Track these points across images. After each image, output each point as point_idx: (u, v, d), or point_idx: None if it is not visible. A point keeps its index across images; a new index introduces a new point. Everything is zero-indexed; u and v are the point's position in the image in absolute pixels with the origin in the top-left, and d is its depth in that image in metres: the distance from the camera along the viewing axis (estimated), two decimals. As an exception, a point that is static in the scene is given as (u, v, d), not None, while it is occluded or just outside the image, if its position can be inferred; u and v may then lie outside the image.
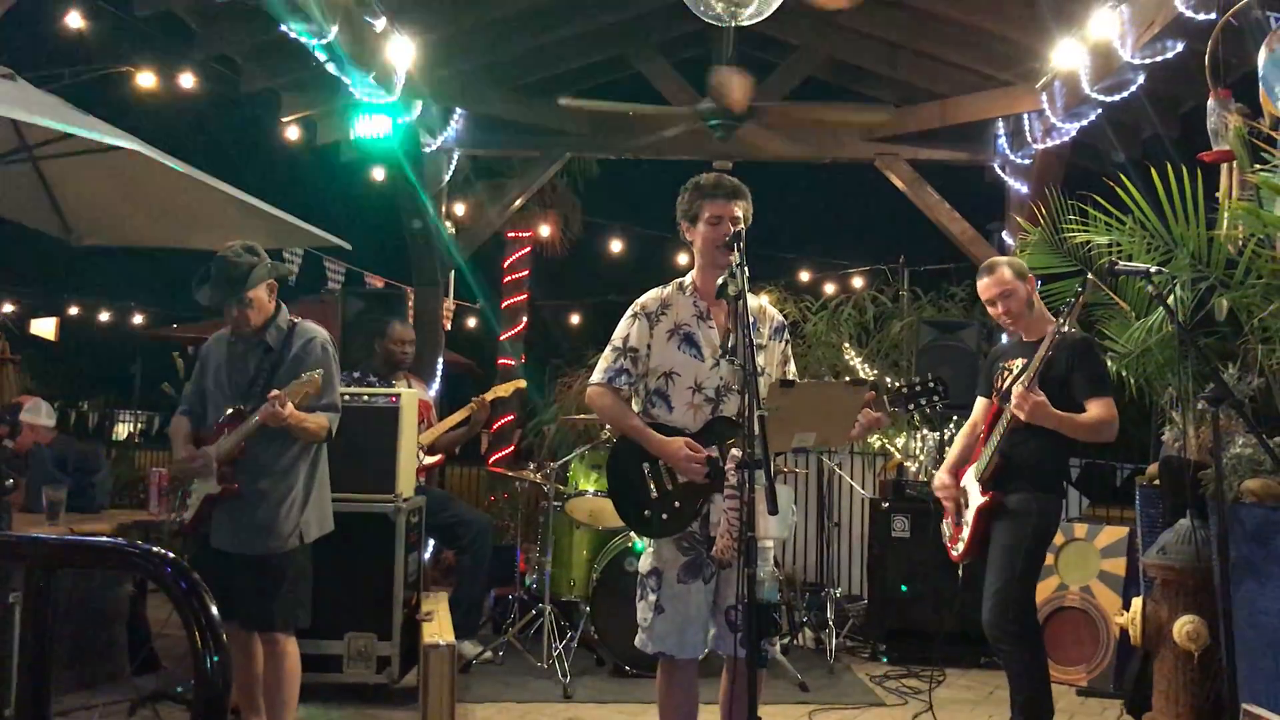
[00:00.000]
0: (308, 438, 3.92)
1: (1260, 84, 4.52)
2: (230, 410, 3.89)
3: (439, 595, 5.60)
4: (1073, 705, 5.32)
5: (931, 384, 3.61)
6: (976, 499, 4.20)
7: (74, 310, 18.15)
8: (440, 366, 8.14)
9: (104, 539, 1.57)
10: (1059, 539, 5.73)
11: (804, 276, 13.08)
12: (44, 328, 13.43)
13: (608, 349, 3.58)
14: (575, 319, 16.39)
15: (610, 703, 5.13)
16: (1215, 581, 4.04)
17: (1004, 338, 4.67)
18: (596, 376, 3.56)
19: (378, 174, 9.35)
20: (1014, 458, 4.12)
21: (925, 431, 7.70)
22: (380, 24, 6.31)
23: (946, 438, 6.74)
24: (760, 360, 3.42)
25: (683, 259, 11.81)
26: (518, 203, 8.79)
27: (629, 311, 3.59)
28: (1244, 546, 4.15)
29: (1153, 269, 4.11)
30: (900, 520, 6.28)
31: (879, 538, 6.37)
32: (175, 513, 3.97)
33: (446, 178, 8.35)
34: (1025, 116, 7.42)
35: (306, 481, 3.98)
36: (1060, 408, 3.99)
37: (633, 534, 5.43)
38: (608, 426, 5.81)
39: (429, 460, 6.03)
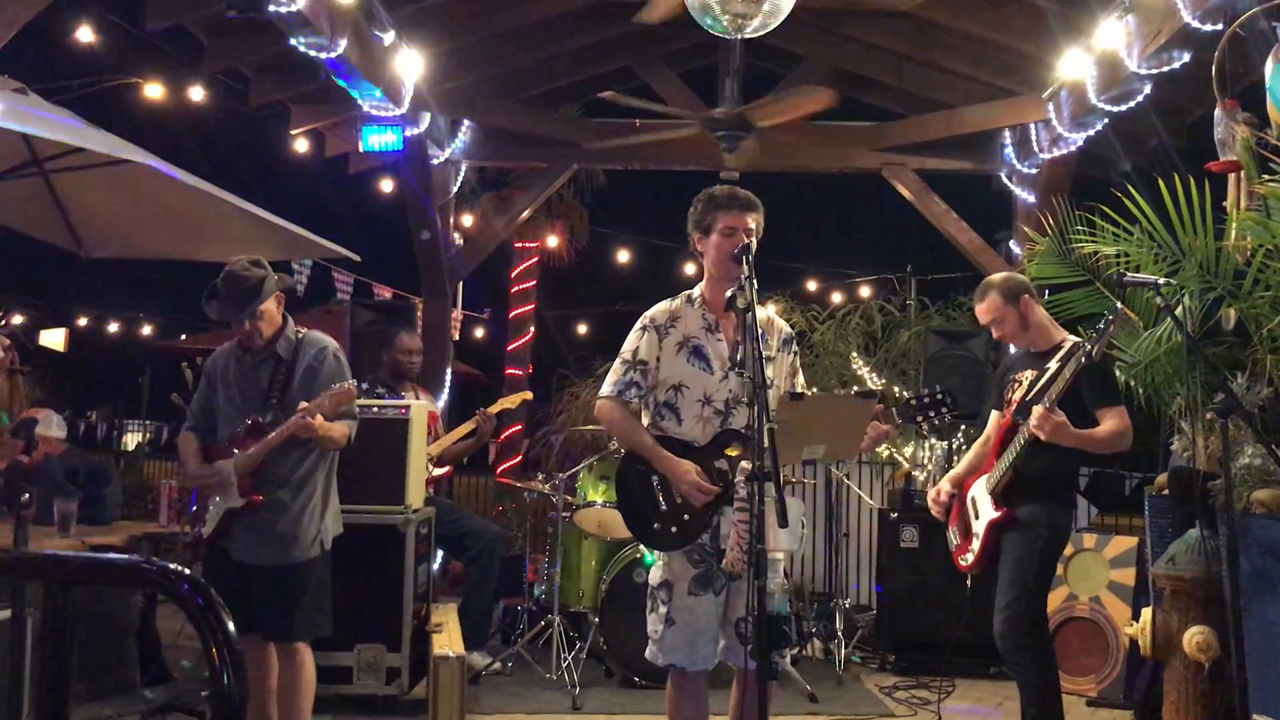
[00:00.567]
0: (331, 447, 3.95)
1: (1267, 94, 4.52)
2: (248, 423, 3.90)
3: (448, 606, 5.61)
4: (1082, 716, 5.31)
5: (940, 396, 3.62)
6: (989, 512, 4.20)
7: (83, 321, 18.21)
8: (448, 377, 8.15)
9: (122, 557, 1.58)
10: (1068, 549, 5.72)
11: (811, 286, 13.10)
12: (53, 339, 13.49)
13: (617, 361, 3.59)
14: (582, 329, 16.41)
15: (619, 714, 5.13)
16: (1225, 592, 4.04)
17: (1011, 349, 4.68)
18: (606, 389, 3.57)
19: (386, 185, 9.39)
20: (1026, 471, 4.12)
21: (933, 441, 7.69)
22: (388, 37, 6.34)
23: (955, 447, 6.74)
24: (769, 372, 3.42)
25: (689, 270, 11.84)
26: (525, 213, 8.82)
27: (638, 324, 3.60)
28: (1254, 557, 4.14)
29: (1161, 281, 4.11)
30: (909, 530, 6.28)
31: (888, 548, 6.37)
32: (194, 526, 3.98)
33: (454, 189, 8.37)
34: (1032, 126, 7.43)
35: (325, 489, 4.02)
36: (1071, 418, 3.99)
37: (642, 546, 5.44)
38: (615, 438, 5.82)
39: (438, 472, 6.04)
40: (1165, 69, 5.50)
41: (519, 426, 11.24)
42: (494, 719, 5.00)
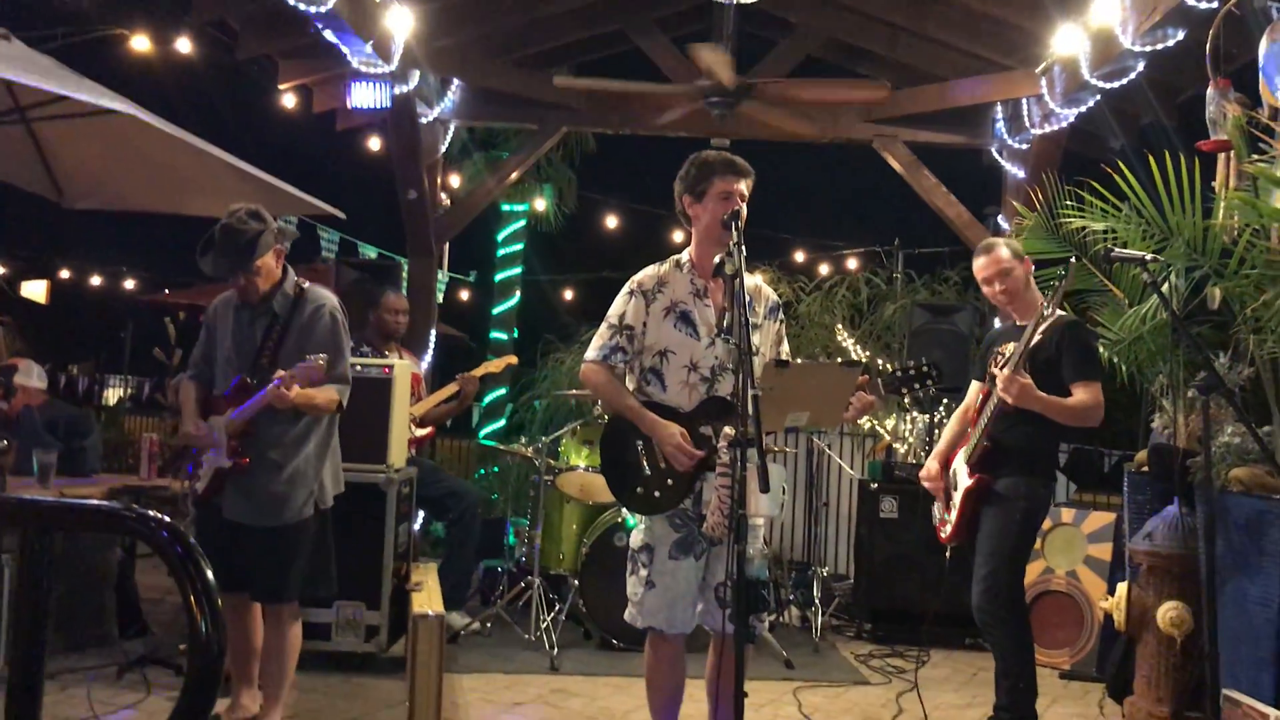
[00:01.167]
0: (317, 413, 3.88)
1: (1260, 74, 4.52)
2: (236, 382, 3.84)
3: (428, 566, 5.61)
4: (1056, 688, 5.36)
5: (925, 368, 3.63)
6: (965, 481, 4.22)
7: (65, 273, 18.08)
8: (433, 339, 8.12)
9: (101, 503, 1.57)
10: (1046, 523, 5.76)
11: (799, 257, 13.10)
12: (35, 290, 13.40)
13: (603, 326, 3.58)
14: (569, 294, 16.37)
15: (597, 675, 5.16)
16: (1201, 568, 4.07)
17: (997, 322, 4.69)
18: (591, 353, 3.56)
19: (373, 143, 9.31)
20: (1003, 442, 4.14)
21: (915, 414, 7.72)
22: (379, -8, 6.27)
23: (937, 420, 6.76)
24: (755, 340, 3.42)
25: (678, 237, 11.80)
26: (514, 175, 8.75)
27: (625, 288, 3.59)
28: (1230, 534, 4.18)
29: (1148, 257, 4.12)
30: (888, 501, 6.31)
31: (867, 518, 6.40)
32: (189, 481, 3.93)
33: (443, 148, 8.31)
34: (1024, 101, 7.41)
35: (319, 451, 3.95)
36: (1049, 391, 4.01)
37: (623, 510, 5.46)
38: (599, 402, 5.82)
39: (420, 433, 6.03)
40: (1159, 46, 5.48)
41: (503, 390, 11.22)
42: (472, 678, 5.02)
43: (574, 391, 6.50)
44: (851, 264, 11.48)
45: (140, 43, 8.14)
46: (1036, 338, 4.00)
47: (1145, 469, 5.16)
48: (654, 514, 3.46)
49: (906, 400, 7.45)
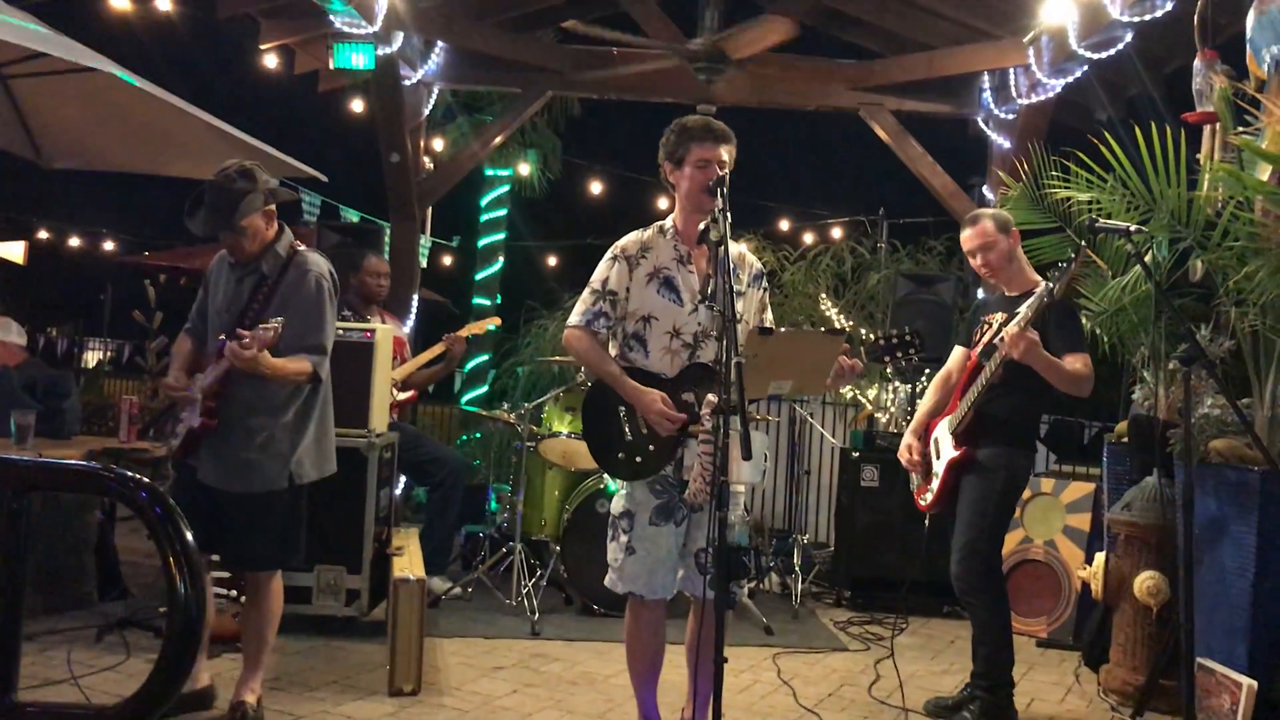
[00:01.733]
0: (288, 382, 3.72)
1: (1247, 46, 4.51)
2: (221, 341, 3.69)
3: (409, 531, 5.62)
4: (1032, 656, 5.41)
5: (907, 337, 3.64)
6: (949, 452, 4.24)
7: (43, 234, 17.90)
8: (415, 303, 8.09)
9: (80, 463, 1.56)
10: (1025, 493, 5.80)
11: (783, 225, 13.08)
12: (12, 251, 13.24)
13: (586, 291, 3.56)
14: (552, 261, 16.32)
15: (577, 641, 5.18)
16: (1178, 539, 4.11)
17: (980, 292, 4.69)
18: (574, 319, 3.55)
19: (356, 106, 9.23)
20: (988, 413, 4.16)
21: (897, 384, 7.74)
22: (363, -49, 6.19)
23: (918, 390, 6.78)
24: (739, 307, 3.41)
25: (663, 203, 11.76)
26: (498, 140, 8.69)
27: (608, 254, 3.57)
28: (1208, 505, 4.22)
29: (1132, 228, 4.13)
30: (870, 470, 6.34)
31: (848, 487, 6.43)
32: (168, 439, 3.86)
33: (426, 111, 8.24)
34: (1011, 71, 7.39)
35: (298, 421, 3.81)
36: None
37: (605, 476, 5.47)
38: (583, 369, 5.81)
39: (402, 396, 6.02)
40: (1147, 17, 5.47)
41: (486, 356, 11.20)
42: (453, 642, 5.04)
43: (557, 358, 6.49)
44: (836, 233, 11.47)
45: (119, 0, 8.01)
46: (1023, 311, 4.01)
47: (1125, 440, 5.19)
48: (635, 480, 3.46)
49: (889, 370, 7.47)
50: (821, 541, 7.58)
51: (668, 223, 3.60)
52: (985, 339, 4.24)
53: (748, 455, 2.85)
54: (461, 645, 5.01)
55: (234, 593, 4.50)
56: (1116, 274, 5.11)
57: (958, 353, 4.52)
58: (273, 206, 3.81)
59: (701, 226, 3.35)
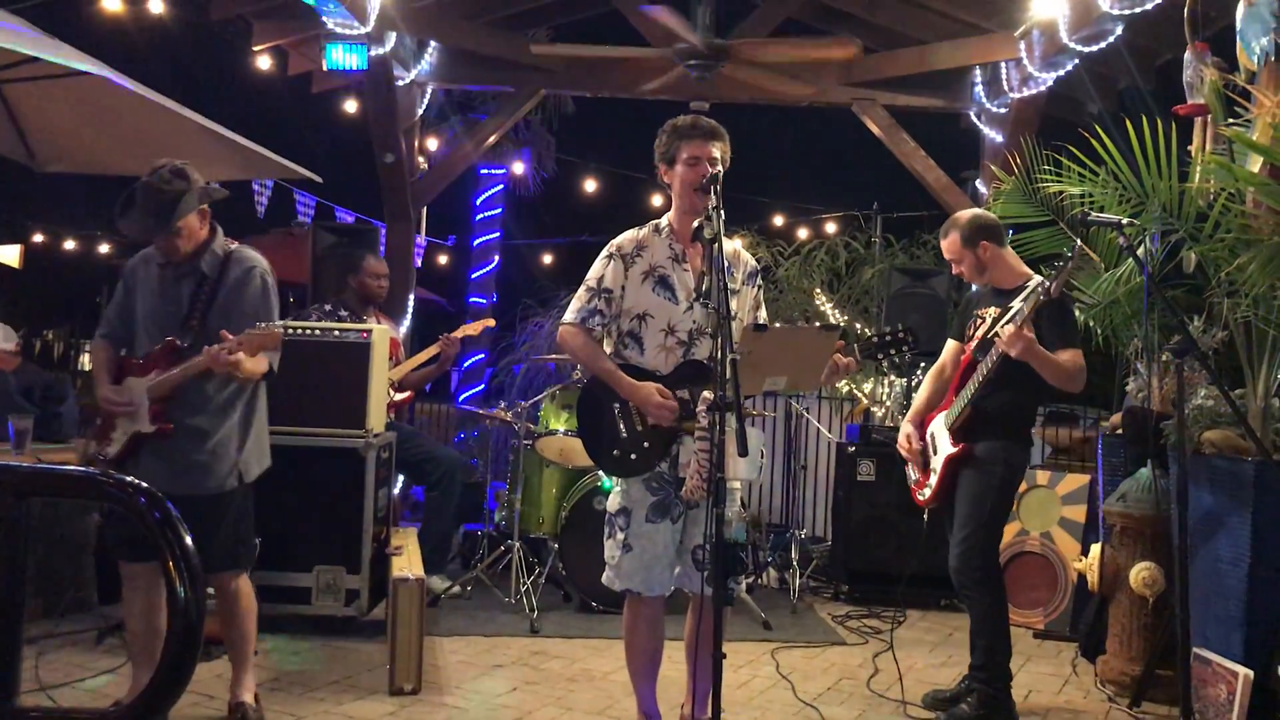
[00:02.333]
0: (250, 379, 3.68)
1: (1238, 38, 4.52)
2: (165, 344, 3.63)
3: (408, 530, 5.63)
4: (1030, 647, 5.43)
5: (901, 334, 3.65)
6: (946, 448, 4.26)
7: (38, 237, 17.86)
8: (411, 303, 8.10)
9: (78, 468, 1.57)
10: (1022, 486, 5.81)
11: (777, 221, 13.09)
12: (7, 254, 13.22)
13: (581, 289, 3.58)
14: (547, 259, 16.31)
15: (577, 638, 5.19)
16: (1173, 529, 4.13)
17: (974, 285, 4.71)
18: (569, 316, 3.56)
19: (350, 106, 9.23)
20: (984, 408, 4.17)
21: (892, 378, 7.76)
22: (354, -48, 6.19)
23: (913, 384, 6.80)
24: (733, 305, 3.42)
25: (657, 201, 11.76)
26: (491, 139, 8.70)
27: (604, 252, 3.59)
28: (1203, 496, 4.23)
29: (1124, 220, 4.14)
30: (866, 464, 6.35)
31: (844, 481, 6.45)
32: (99, 445, 3.70)
33: (420, 112, 8.24)
34: (1003, 65, 7.41)
35: (244, 418, 3.75)
36: None
37: (601, 473, 5.48)
38: (579, 366, 5.83)
39: (398, 396, 6.03)
40: (1138, 9, 5.49)
41: (482, 355, 11.21)
42: (452, 641, 5.05)
43: (553, 356, 6.51)
44: (830, 228, 11.50)
45: (111, 3, 8.00)
46: (1018, 304, 4.02)
47: (1119, 432, 5.21)
48: (630, 477, 3.48)
49: (884, 365, 7.48)
50: (819, 536, 7.59)
51: (663, 221, 3.62)
52: (979, 334, 4.26)
53: (744, 451, 2.87)
54: (461, 644, 5.02)
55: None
56: (1109, 266, 5.13)
57: (951, 346, 4.54)
58: (207, 206, 3.70)
59: (695, 224, 3.37)
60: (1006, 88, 7.37)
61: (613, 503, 3.55)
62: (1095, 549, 4.86)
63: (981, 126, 7.92)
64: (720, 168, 3.41)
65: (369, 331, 5.10)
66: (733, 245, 3.68)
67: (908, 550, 5.82)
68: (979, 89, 7.81)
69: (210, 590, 4.56)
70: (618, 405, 3.47)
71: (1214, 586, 4.18)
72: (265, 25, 7.56)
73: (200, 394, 3.64)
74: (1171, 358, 3.93)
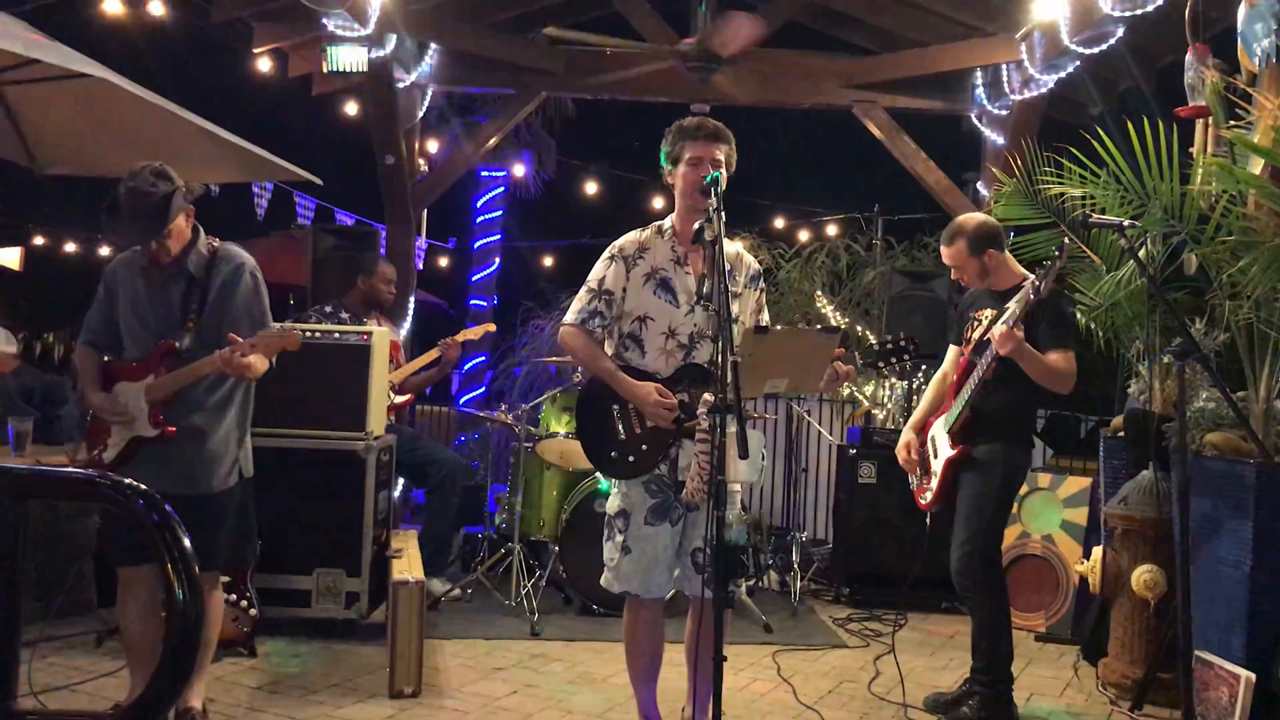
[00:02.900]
0: (253, 378, 3.64)
1: (1239, 40, 4.52)
2: (162, 346, 3.58)
3: (408, 533, 5.62)
4: (1031, 650, 5.42)
5: (902, 343, 3.65)
6: (946, 451, 4.25)
7: (39, 240, 17.86)
8: (411, 306, 8.09)
9: (77, 470, 1.56)
10: (1023, 488, 5.81)
11: (778, 223, 13.08)
12: (8, 257, 13.21)
13: (582, 290, 3.57)
14: (548, 261, 16.31)
15: (577, 641, 5.18)
16: (1175, 532, 4.12)
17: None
18: (570, 317, 3.56)
19: (350, 108, 9.22)
20: (983, 410, 4.17)
21: (894, 381, 7.75)
22: (355, -47, 6.19)
23: (915, 387, 6.79)
24: (734, 308, 3.42)
25: (658, 203, 11.76)
26: (492, 141, 8.69)
27: (606, 253, 3.58)
28: (1204, 498, 4.22)
29: (1125, 222, 4.14)
30: (867, 467, 6.34)
31: (846, 483, 6.44)
32: (91, 449, 3.67)
33: (420, 114, 8.24)
34: (1004, 67, 7.40)
35: (240, 415, 3.74)
36: None
37: (599, 475, 5.47)
38: (580, 369, 5.82)
39: (399, 399, 6.02)
40: (1139, 11, 5.48)
41: (483, 358, 11.20)
42: (453, 644, 5.04)
43: (553, 358, 6.50)
44: (831, 230, 11.48)
45: (112, 5, 8.00)
46: (1012, 304, 4.03)
47: (1121, 434, 5.20)
48: (628, 479, 3.47)
49: (886, 371, 7.47)
50: (820, 539, 7.59)
51: (666, 223, 3.61)
52: (976, 336, 4.25)
53: (744, 454, 2.86)
54: (461, 646, 5.02)
55: (233, 596, 4.50)
56: (1111, 269, 5.13)
57: (952, 352, 4.54)
58: (191, 205, 3.65)
59: (696, 226, 3.36)
60: (1007, 90, 7.36)
61: (612, 505, 3.54)
62: (1097, 552, 4.85)
63: (983, 128, 7.91)
64: (724, 170, 3.41)
65: (369, 334, 5.09)
66: (734, 248, 3.67)
67: (909, 553, 5.82)
68: (980, 91, 7.80)
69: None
70: (617, 407, 3.47)
71: (1215, 589, 4.17)
72: (266, 28, 7.54)
73: (197, 394, 3.61)
74: (1173, 360, 3.92)
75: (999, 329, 3.97)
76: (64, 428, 5.45)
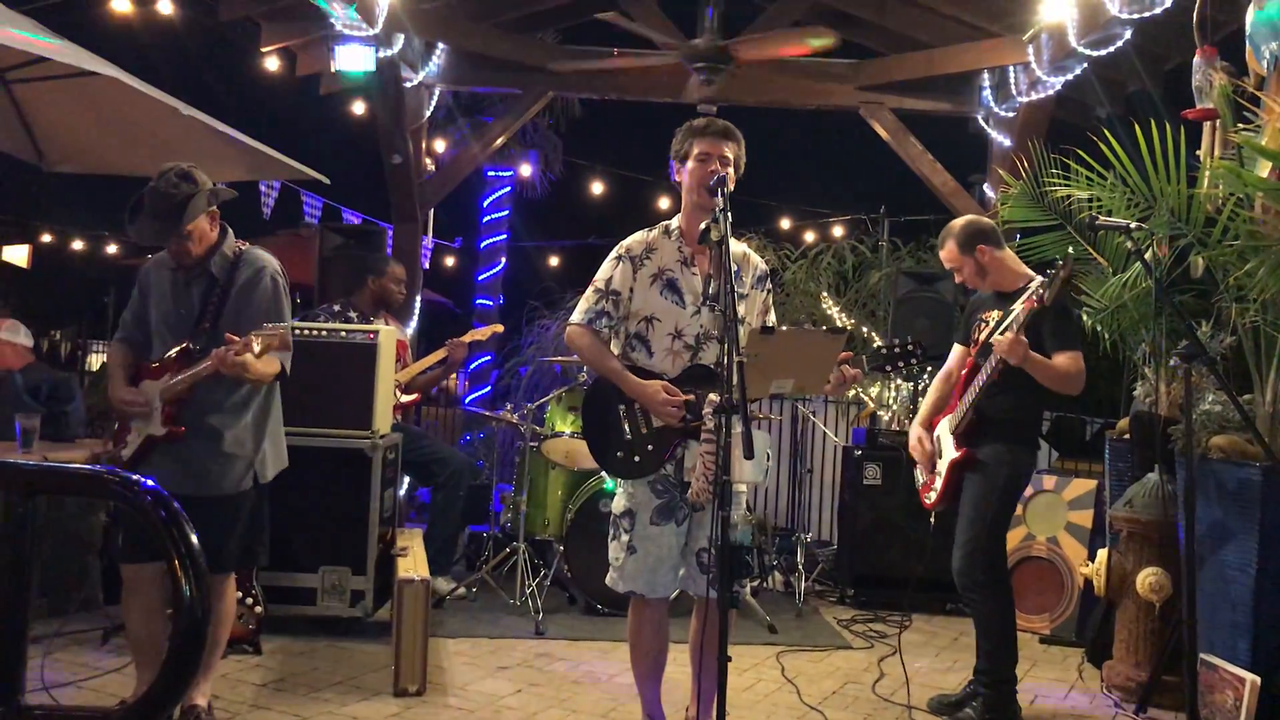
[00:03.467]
0: (261, 381, 3.64)
1: (1247, 42, 4.52)
2: (178, 348, 3.61)
3: (414, 531, 5.63)
4: (1035, 653, 5.42)
5: (909, 346, 3.65)
6: (950, 452, 4.26)
7: (47, 237, 17.91)
8: (418, 305, 8.11)
9: (84, 467, 1.57)
10: (1028, 491, 5.81)
11: (785, 224, 13.08)
12: (16, 254, 13.27)
13: (589, 290, 3.58)
14: (554, 261, 16.33)
15: (582, 640, 5.19)
16: (1180, 535, 4.11)
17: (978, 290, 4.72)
18: (577, 317, 3.56)
19: (358, 108, 9.24)
20: (987, 411, 4.17)
21: (899, 381, 7.75)
22: (363, -47, 6.20)
23: (920, 388, 6.79)
24: (741, 309, 3.42)
25: (664, 203, 11.76)
26: (499, 141, 8.70)
27: (613, 253, 3.59)
28: (1210, 501, 4.22)
29: (1132, 225, 4.13)
30: (872, 468, 6.34)
31: (851, 484, 6.44)
32: (115, 446, 3.69)
33: (427, 113, 8.25)
34: (1011, 69, 7.39)
35: (258, 419, 3.74)
36: None
37: (604, 474, 5.47)
38: (585, 369, 5.83)
39: (405, 399, 6.03)
40: (1146, 14, 5.47)
41: (489, 357, 11.21)
42: (458, 642, 5.05)
43: (559, 358, 6.50)
44: (837, 231, 11.48)
45: (120, 4, 8.02)
46: (1017, 307, 4.03)
47: (1127, 437, 5.20)
48: (634, 478, 3.48)
49: (892, 374, 7.46)
50: (824, 540, 7.58)
51: (673, 223, 3.62)
52: (981, 338, 4.25)
53: (750, 454, 2.86)
54: (466, 645, 5.02)
55: (239, 593, 4.51)
56: (1117, 271, 5.12)
57: (957, 350, 4.54)
58: (215, 208, 3.68)
59: (702, 226, 3.37)
60: (1014, 91, 7.36)
61: (618, 504, 3.54)
62: (1102, 554, 4.84)
63: (989, 130, 7.90)
64: (733, 170, 3.42)
65: (376, 333, 5.10)
66: (741, 248, 3.68)
67: (914, 554, 5.81)
68: (987, 93, 7.79)
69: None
70: (623, 406, 3.47)
71: (1221, 592, 4.16)
72: (274, 26, 7.56)
73: (214, 395, 3.62)
74: (1179, 363, 3.92)
75: (1004, 337, 3.96)
76: (70, 424, 5.46)
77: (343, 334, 5.09)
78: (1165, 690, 4.39)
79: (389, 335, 5.22)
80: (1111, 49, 6.08)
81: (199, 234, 3.61)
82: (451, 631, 5.20)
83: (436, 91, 8.27)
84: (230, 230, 3.76)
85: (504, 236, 12.55)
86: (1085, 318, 5.10)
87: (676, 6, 7.78)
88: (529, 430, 5.94)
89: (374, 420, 5.02)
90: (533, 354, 9.37)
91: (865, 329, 8.35)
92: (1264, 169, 4.33)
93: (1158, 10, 5.38)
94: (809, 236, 11.77)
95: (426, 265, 8.84)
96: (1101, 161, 4.79)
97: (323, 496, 4.93)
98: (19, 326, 5.59)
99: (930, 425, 4.45)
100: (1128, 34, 5.90)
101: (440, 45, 7.92)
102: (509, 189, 12.46)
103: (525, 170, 12.40)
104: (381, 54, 6.99)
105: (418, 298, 8.10)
